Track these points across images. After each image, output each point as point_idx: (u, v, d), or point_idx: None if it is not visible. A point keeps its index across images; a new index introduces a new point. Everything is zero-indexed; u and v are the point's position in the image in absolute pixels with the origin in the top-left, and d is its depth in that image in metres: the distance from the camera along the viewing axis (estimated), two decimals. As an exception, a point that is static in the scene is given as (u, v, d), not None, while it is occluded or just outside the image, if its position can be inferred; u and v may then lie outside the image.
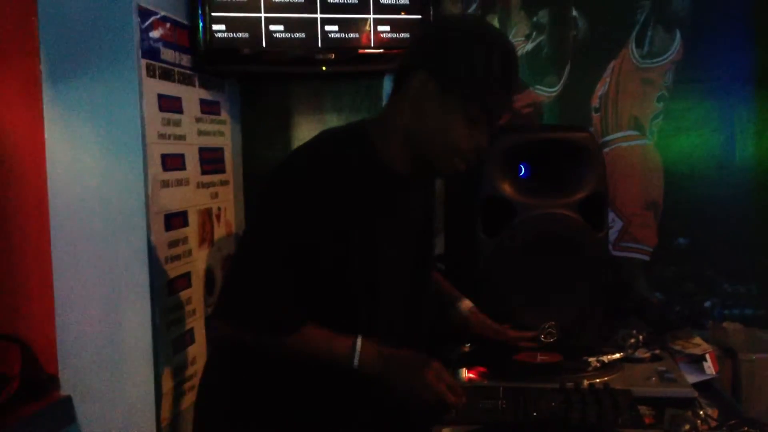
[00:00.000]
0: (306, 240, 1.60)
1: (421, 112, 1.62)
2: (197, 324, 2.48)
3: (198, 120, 2.58)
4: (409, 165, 1.69)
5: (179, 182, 2.40)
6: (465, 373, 2.01)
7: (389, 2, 2.68)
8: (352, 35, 2.67)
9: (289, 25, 2.62)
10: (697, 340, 2.46)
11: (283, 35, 2.62)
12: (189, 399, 2.37)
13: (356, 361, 1.61)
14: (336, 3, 2.65)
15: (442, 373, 1.66)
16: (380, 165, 1.67)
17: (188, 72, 2.51)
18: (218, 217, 2.71)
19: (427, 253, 1.93)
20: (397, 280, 1.76)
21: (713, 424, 1.88)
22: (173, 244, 2.34)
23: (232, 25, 2.57)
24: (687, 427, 1.62)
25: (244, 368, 1.74)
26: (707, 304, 2.88)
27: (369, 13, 2.67)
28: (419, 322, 1.87)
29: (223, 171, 2.79)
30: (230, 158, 2.86)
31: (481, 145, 1.66)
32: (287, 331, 1.63)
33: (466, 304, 2.14)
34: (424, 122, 1.63)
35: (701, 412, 1.78)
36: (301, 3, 2.62)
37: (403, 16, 2.67)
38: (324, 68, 2.69)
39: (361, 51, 2.69)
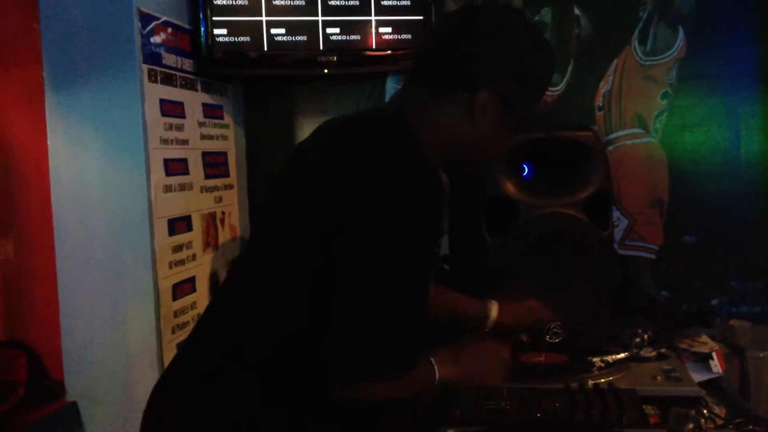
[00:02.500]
0: (432, 247, 1.44)
1: (478, 124, 1.53)
2: (203, 328, 2.48)
3: (201, 124, 2.58)
4: (438, 159, 1.56)
5: (182, 187, 2.40)
6: None
7: (390, 3, 2.68)
8: (353, 37, 2.67)
9: (291, 28, 2.62)
10: (704, 338, 2.45)
11: (284, 38, 2.62)
12: (195, 403, 2.37)
13: (437, 375, 1.46)
14: (337, 5, 2.65)
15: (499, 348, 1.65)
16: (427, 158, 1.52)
17: (190, 76, 2.52)
18: (222, 221, 2.72)
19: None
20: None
21: (720, 422, 1.88)
22: (177, 248, 2.34)
23: (233, 29, 2.57)
24: (691, 426, 1.61)
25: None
26: (714, 301, 2.86)
27: (370, 15, 2.67)
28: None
29: (227, 175, 2.79)
30: (234, 162, 2.87)
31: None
32: (410, 368, 1.39)
33: (493, 310, 2.02)
34: (477, 133, 1.54)
35: (706, 411, 1.77)
36: (302, 6, 2.62)
37: (403, 17, 2.67)
38: (326, 71, 2.69)
39: (363, 53, 2.69)
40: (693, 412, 1.69)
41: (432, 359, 1.46)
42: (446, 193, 1.51)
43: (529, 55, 1.53)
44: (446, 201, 1.51)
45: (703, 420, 1.65)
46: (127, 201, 2.17)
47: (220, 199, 2.70)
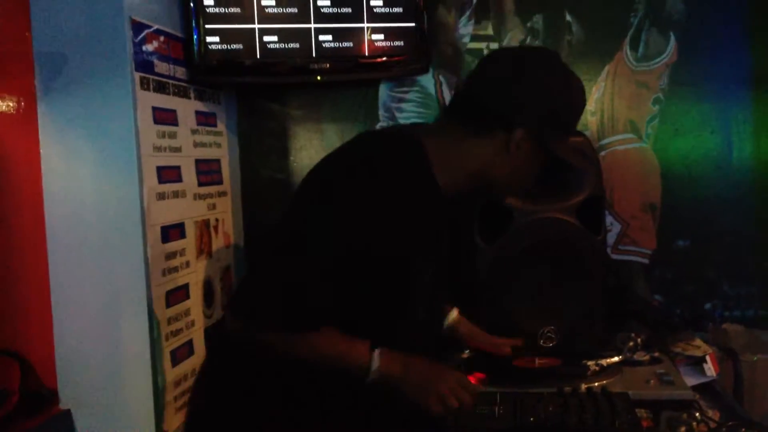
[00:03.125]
0: (354, 245, 1.55)
1: (512, 159, 1.64)
2: (196, 336, 2.48)
3: (194, 132, 2.58)
4: (460, 190, 1.70)
5: (176, 194, 2.40)
6: None
7: (383, 11, 2.68)
8: (346, 44, 2.68)
9: (284, 36, 2.62)
10: (698, 342, 2.46)
11: (277, 46, 2.62)
12: (189, 411, 2.37)
13: (376, 363, 1.57)
14: (330, 12, 2.65)
15: (458, 387, 1.61)
16: (434, 183, 1.65)
17: (183, 84, 2.52)
18: (216, 228, 2.71)
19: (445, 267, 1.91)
20: (426, 293, 1.73)
21: (713, 425, 1.88)
22: (171, 256, 2.34)
23: (226, 36, 2.58)
24: (683, 429, 1.62)
25: (243, 373, 1.70)
26: (708, 306, 2.87)
27: (363, 22, 2.68)
28: (432, 336, 1.85)
29: (220, 182, 2.79)
30: (227, 169, 2.87)
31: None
32: (304, 328, 1.57)
33: (452, 314, 2.11)
34: (511, 167, 1.66)
35: (698, 414, 1.77)
36: (294, 13, 2.63)
37: (396, 24, 2.68)
38: (319, 78, 2.69)
39: (356, 60, 2.69)
40: (685, 415, 1.69)
41: (376, 348, 1.58)
42: (393, 208, 1.56)
43: (564, 97, 1.65)
44: (384, 215, 1.56)
45: (694, 423, 1.65)
46: (119, 209, 2.17)
47: (213, 207, 2.70)
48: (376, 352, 1.58)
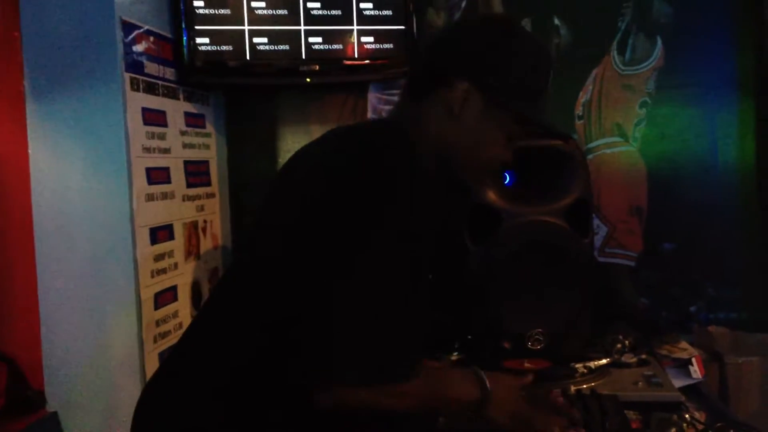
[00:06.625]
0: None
1: (462, 121, 1.48)
2: (185, 337, 2.47)
3: (183, 133, 2.58)
4: (431, 170, 1.52)
5: (164, 195, 2.39)
6: None
7: (372, 13, 2.69)
8: (336, 46, 2.68)
9: (273, 38, 2.62)
10: (684, 344, 2.47)
11: (266, 47, 2.62)
12: (177, 413, 2.36)
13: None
14: (319, 14, 2.66)
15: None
16: (424, 169, 1.47)
17: (172, 85, 2.51)
18: (204, 230, 2.71)
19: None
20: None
21: (700, 427, 1.89)
22: (159, 257, 2.33)
23: (215, 38, 2.57)
24: (674, 430, 1.63)
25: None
26: (693, 308, 2.89)
27: (353, 25, 2.68)
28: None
29: (208, 184, 2.79)
30: (216, 171, 2.86)
31: (507, 160, 1.56)
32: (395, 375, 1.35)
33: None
34: (463, 131, 1.49)
35: (687, 416, 1.79)
36: (284, 15, 2.63)
37: (385, 27, 2.69)
38: (309, 80, 2.70)
39: (345, 62, 2.70)
40: (675, 417, 1.70)
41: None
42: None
43: (502, 45, 1.48)
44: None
45: (685, 425, 1.66)
46: (108, 209, 2.16)
47: (202, 208, 2.70)
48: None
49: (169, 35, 2.52)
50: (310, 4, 2.64)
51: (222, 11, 2.58)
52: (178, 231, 2.49)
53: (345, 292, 1.29)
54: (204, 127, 2.77)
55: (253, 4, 2.60)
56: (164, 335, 2.34)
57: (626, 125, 2.91)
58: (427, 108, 1.50)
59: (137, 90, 2.25)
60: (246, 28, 2.60)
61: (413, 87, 1.54)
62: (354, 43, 2.69)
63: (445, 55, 1.51)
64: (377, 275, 1.31)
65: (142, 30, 2.30)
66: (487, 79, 1.46)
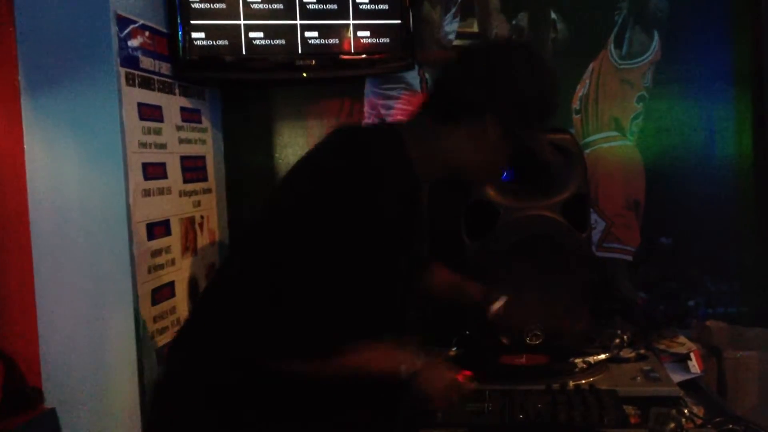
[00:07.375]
0: (347, 246, 1.51)
1: (478, 147, 1.66)
2: (182, 333, 2.47)
3: (179, 128, 2.57)
4: (435, 176, 1.72)
5: (161, 191, 2.38)
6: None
7: (368, 8, 2.68)
8: (332, 41, 2.67)
9: (269, 32, 2.61)
10: (682, 339, 2.47)
11: (263, 42, 2.61)
12: (175, 409, 2.35)
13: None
14: (315, 9, 2.64)
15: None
16: (413, 170, 1.66)
17: (168, 80, 2.50)
18: (201, 225, 2.70)
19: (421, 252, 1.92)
20: (403, 281, 1.73)
21: (699, 422, 1.90)
22: (156, 253, 2.32)
23: (211, 32, 2.56)
24: (672, 425, 1.63)
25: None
26: (691, 303, 2.89)
27: (349, 19, 2.67)
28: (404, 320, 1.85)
29: (205, 179, 2.78)
30: (212, 166, 2.85)
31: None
32: (334, 349, 1.51)
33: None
34: (481, 155, 1.67)
35: (686, 411, 1.79)
36: (280, 9, 2.62)
37: (381, 21, 2.68)
38: (305, 74, 2.68)
39: (341, 57, 2.69)
40: (674, 411, 1.70)
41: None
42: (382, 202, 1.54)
43: (526, 85, 1.64)
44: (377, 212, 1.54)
45: (683, 419, 1.66)
46: (105, 205, 2.15)
47: (198, 203, 2.69)
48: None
49: (165, 30, 2.50)
50: (306, -1, 2.63)
51: (217, 6, 2.57)
52: (175, 227, 2.48)
53: (312, 276, 1.48)
54: (200, 122, 2.76)
55: (249, -1, 2.59)
56: (162, 331, 2.34)
57: (623, 119, 2.90)
58: (452, 133, 1.66)
59: (133, 85, 2.24)
60: (242, 22, 2.59)
61: (437, 110, 1.69)
62: (350, 37, 2.68)
63: (471, 87, 1.64)
64: (340, 263, 1.49)
65: (137, 25, 2.28)
66: (511, 117, 1.62)
